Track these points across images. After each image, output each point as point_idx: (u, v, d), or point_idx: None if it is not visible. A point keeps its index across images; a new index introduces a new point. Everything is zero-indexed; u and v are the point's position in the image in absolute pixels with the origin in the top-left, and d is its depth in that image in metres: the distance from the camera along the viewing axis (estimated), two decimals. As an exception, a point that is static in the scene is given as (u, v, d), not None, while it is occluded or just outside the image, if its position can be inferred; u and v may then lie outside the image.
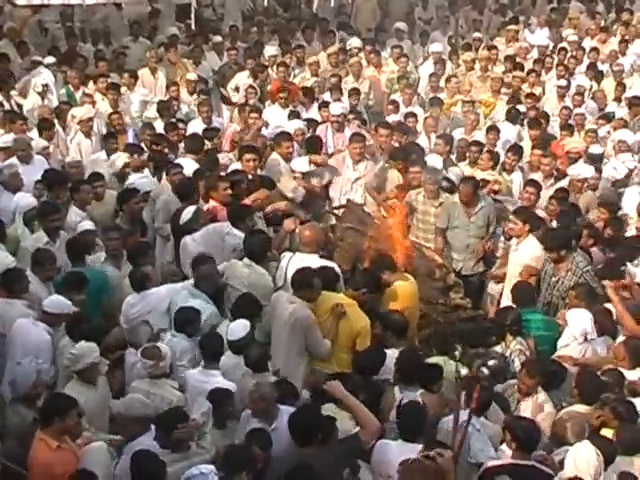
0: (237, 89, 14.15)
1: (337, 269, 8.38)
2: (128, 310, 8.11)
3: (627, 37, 16.83)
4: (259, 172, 10.44)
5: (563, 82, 14.47)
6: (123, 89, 13.16)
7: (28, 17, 15.48)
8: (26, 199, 9.42)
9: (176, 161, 10.64)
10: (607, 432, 6.69)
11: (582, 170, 11.00)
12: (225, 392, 6.86)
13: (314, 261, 8.38)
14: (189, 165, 10.36)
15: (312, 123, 12.25)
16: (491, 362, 7.12)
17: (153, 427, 6.45)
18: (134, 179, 10.14)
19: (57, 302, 7.70)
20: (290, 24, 17.46)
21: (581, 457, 6.00)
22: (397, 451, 6.21)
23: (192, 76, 13.85)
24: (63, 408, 6.26)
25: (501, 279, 9.64)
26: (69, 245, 8.63)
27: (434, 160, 11.04)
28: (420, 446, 5.83)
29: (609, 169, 11.34)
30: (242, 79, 14.22)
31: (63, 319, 7.63)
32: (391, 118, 12.72)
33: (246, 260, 8.42)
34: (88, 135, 11.73)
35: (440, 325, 8.48)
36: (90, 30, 16.06)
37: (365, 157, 11.02)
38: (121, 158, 10.61)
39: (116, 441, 6.55)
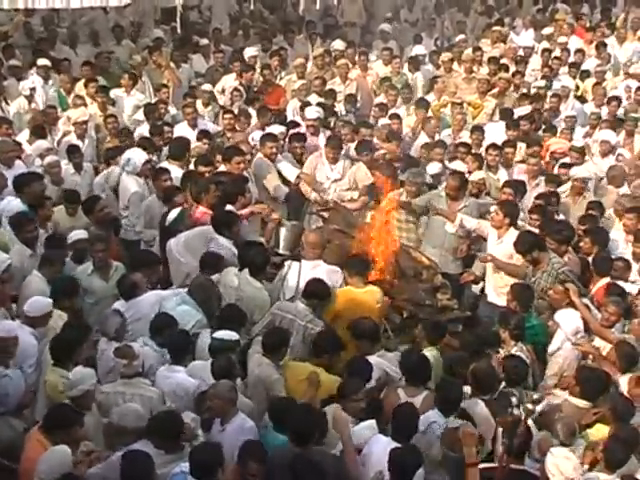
0: (223, 91, 14.15)
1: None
2: None
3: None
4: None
5: (541, 83, 14.55)
6: (112, 93, 13.15)
7: (19, 21, 15.46)
8: (13, 204, 9.31)
9: (161, 166, 10.59)
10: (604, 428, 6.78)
11: (581, 171, 11.03)
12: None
13: (321, 268, 8.56)
14: (173, 171, 10.29)
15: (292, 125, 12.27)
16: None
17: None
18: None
19: (36, 304, 7.66)
20: (274, 26, 17.45)
21: (563, 462, 6.02)
22: (387, 447, 6.26)
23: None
24: (68, 422, 6.24)
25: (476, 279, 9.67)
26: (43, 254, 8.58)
27: (434, 168, 11.13)
28: None
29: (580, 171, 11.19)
30: (228, 82, 14.22)
31: (46, 319, 7.61)
32: (381, 122, 12.73)
33: (236, 271, 8.44)
34: (81, 137, 11.69)
35: (428, 316, 8.49)
36: (72, 33, 15.98)
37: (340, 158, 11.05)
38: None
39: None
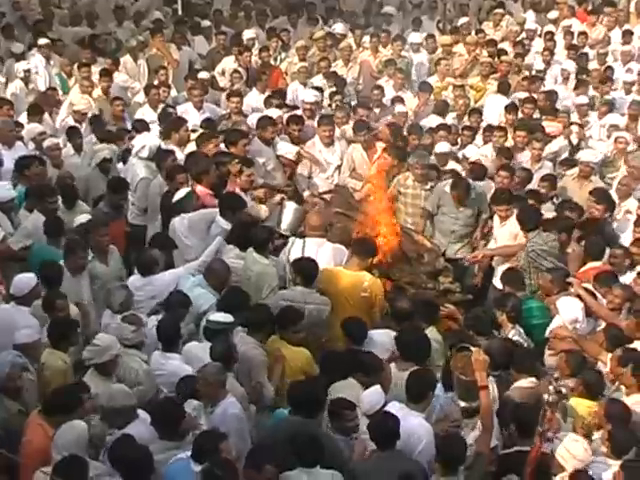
0: (223, 73, 14.09)
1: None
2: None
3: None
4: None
5: (541, 66, 14.51)
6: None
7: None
8: (5, 191, 9.25)
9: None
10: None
11: (588, 155, 11.02)
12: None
13: (326, 246, 8.57)
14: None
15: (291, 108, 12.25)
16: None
17: (141, 414, 6.44)
18: None
19: (20, 282, 7.71)
20: (276, 8, 17.34)
21: (573, 446, 6.08)
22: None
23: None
24: (70, 406, 6.24)
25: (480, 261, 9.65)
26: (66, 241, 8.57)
27: (443, 147, 11.09)
28: None
29: (588, 154, 11.20)
30: (228, 64, 14.17)
31: (34, 295, 7.65)
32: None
33: (238, 251, 8.46)
34: (79, 122, 11.62)
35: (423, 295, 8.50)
36: (74, 15, 15.90)
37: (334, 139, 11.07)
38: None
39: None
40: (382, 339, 7.57)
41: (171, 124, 10.92)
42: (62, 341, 7.24)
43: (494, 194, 9.87)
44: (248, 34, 14.93)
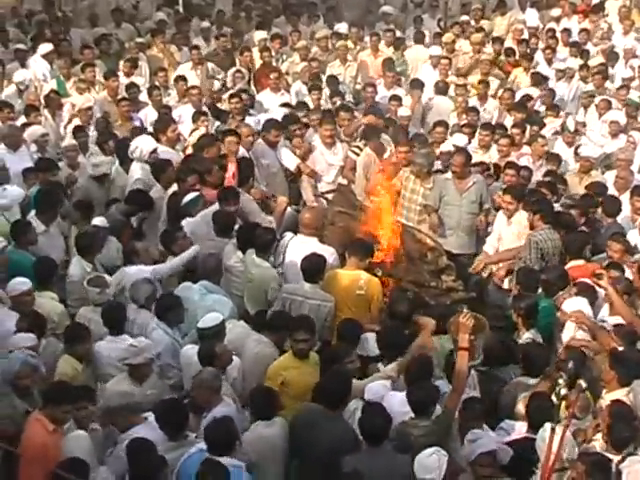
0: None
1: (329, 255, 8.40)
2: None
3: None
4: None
5: (543, 63, 14.50)
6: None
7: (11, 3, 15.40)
8: (17, 191, 9.37)
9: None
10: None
11: (588, 150, 11.06)
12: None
13: (313, 244, 8.49)
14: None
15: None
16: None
17: (150, 419, 6.45)
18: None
19: (13, 286, 7.76)
20: (277, 8, 17.35)
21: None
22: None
23: None
24: (63, 397, 6.27)
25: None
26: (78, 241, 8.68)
27: (459, 139, 11.16)
28: None
29: (587, 150, 11.25)
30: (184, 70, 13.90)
31: (26, 297, 7.70)
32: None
33: (239, 254, 8.49)
34: (87, 124, 11.66)
35: (433, 307, 8.43)
36: (76, 15, 15.97)
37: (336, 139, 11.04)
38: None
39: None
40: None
41: (159, 126, 10.94)
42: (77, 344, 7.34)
43: (506, 188, 9.87)
44: (260, 35, 14.94)
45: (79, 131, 11.14)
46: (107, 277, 8.06)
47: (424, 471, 5.90)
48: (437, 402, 6.55)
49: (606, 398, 6.84)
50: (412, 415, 6.46)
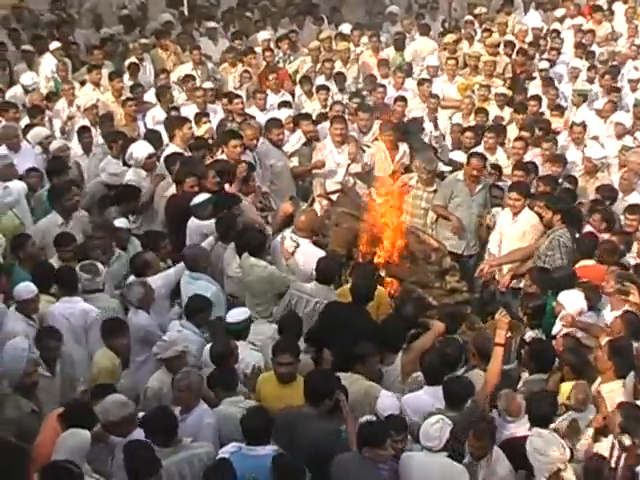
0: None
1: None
2: None
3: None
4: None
5: (546, 64, 14.45)
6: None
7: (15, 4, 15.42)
8: (20, 185, 9.44)
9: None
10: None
11: (591, 152, 11.04)
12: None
13: (305, 245, 8.63)
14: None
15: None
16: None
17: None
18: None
19: (20, 290, 7.72)
20: (282, 9, 17.35)
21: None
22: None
23: (208, 84, 13.00)
24: (86, 421, 6.18)
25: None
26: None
27: (458, 156, 11.10)
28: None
29: (592, 151, 11.21)
30: (185, 70, 13.81)
31: (33, 302, 7.68)
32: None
33: (239, 260, 8.52)
34: (94, 124, 11.66)
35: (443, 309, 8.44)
36: (81, 17, 16.00)
37: (347, 139, 11.04)
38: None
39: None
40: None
41: (174, 124, 10.95)
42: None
43: (512, 185, 9.90)
44: (263, 35, 14.92)
45: (84, 131, 11.15)
46: (99, 266, 8.06)
47: (426, 439, 6.10)
48: (471, 397, 6.61)
49: (602, 388, 6.82)
50: (440, 406, 6.57)
